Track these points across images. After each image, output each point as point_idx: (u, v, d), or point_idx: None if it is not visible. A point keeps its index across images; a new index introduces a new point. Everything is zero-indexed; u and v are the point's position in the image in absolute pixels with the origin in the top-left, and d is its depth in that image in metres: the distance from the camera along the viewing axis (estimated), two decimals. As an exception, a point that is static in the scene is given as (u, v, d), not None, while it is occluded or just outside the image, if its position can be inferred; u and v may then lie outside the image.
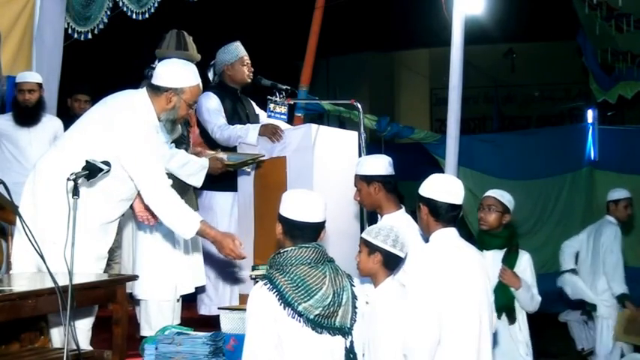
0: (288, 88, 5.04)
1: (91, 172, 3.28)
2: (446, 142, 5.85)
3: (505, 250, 4.28)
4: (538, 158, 8.58)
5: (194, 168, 4.25)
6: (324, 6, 7.09)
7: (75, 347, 2.94)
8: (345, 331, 2.82)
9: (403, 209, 3.85)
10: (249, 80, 5.12)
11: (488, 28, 8.69)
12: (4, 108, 5.97)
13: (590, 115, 8.78)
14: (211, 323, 4.41)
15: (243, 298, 4.36)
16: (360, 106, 4.93)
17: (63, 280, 2.85)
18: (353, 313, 2.87)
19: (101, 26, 6.10)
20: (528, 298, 4.19)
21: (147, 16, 5.79)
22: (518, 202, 8.53)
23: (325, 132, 4.63)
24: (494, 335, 3.41)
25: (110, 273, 5.09)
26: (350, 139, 4.77)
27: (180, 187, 4.31)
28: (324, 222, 2.93)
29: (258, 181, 4.69)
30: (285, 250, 2.86)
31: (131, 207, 3.96)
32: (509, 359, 4.14)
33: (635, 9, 7.78)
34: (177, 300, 4.46)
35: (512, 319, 4.20)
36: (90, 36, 6.16)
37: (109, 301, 3.56)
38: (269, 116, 4.96)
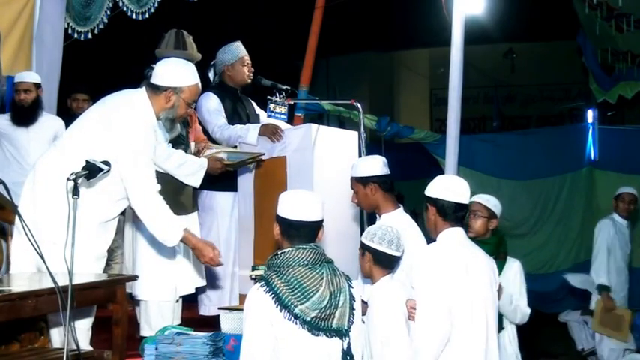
0: (288, 88, 5.04)
1: (91, 172, 3.28)
2: (446, 142, 5.85)
3: (493, 257, 4.06)
4: (538, 158, 8.58)
5: (192, 168, 4.24)
6: (324, 6, 7.09)
7: (75, 347, 2.94)
8: (342, 333, 2.81)
9: (401, 208, 3.85)
10: (250, 80, 5.12)
11: (488, 28, 8.69)
12: (4, 108, 5.97)
13: (590, 115, 8.79)
14: (211, 323, 4.41)
15: (243, 298, 4.33)
16: (360, 106, 4.93)
17: (63, 280, 2.85)
18: (350, 314, 2.85)
19: (101, 26, 6.09)
20: (510, 309, 4.01)
21: (147, 16, 5.78)
22: (519, 202, 8.64)
23: (325, 132, 4.63)
24: None
25: (110, 273, 5.10)
26: (350, 139, 4.77)
27: (180, 187, 4.32)
28: (321, 221, 2.92)
29: (258, 181, 4.69)
30: (283, 251, 2.86)
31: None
32: None
33: (635, 9, 7.78)
34: (177, 300, 4.45)
35: (499, 326, 4.11)
36: (90, 36, 6.16)
37: (109, 301, 3.56)
38: (269, 116, 4.96)
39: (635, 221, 6.53)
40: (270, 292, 2.76)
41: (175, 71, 3.78)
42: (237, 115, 5.08)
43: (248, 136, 4.73)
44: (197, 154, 4.50)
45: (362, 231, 4.59)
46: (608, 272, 6.16)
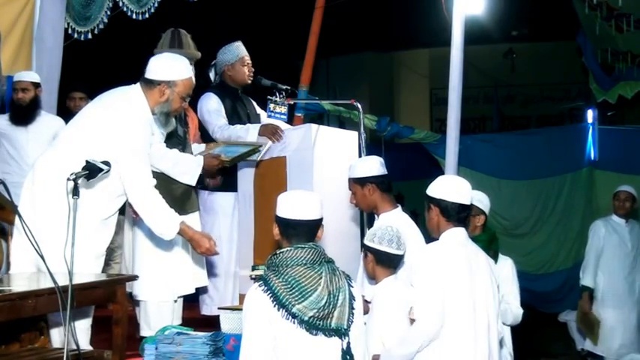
0: (288, 88, 5.04)
1: (91, 172, 3.29)
2: (446, 142, 5.84)
3: None
4: (538, 158, 8.59)
5: (187, 166, 4.22)
6: (324, 6, 7.09)
7: (75, 347, 2.94)
8: (341, 333, 2.80)
9: (399, 208, 3.86)
10: (250, 81, 5.12)
11: (488, 28, 8.69)
12: (4, 108, 5.97)
13: (590, 115, 8.78)
14: (213, 323, 4.40)
15: (243, 298, 4.34)
16: (360, 106, 4.94)
17: (63, 280, 2.85)
18: (350, 314, 2.84)
19: (101, 26, 6.09)
20: (501, 310, 3.66)
21: (147, 16, 5.78)
22: (518, 202, 8.64)
23: (325, 132, 4.63)
24: None
25: (110, 273, 5.10)
26: (350, 139, 4.77)
27: (181, 188, 4.31)
28: (319, 220, 2.91)
29: (258, 181, 4.69)
30: (281, 250, 2.86)
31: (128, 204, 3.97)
32: None
33: (635, 9, 7.77)
34: (175, 300, 4.44)
35: None
36: (90, 36, 6.16)
37: (109, 301, 3.56)
38: (269, 116, 4.96)
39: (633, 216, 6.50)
40: (268, 292, 2.76)
41: (168, 65, 3.82)
42: (237, 115, 5.08)
43: (248, 136, 4.74)
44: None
45: (362, 231, 4.61)
46: (596, 274, 6.18)
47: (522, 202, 8.59)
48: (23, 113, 5.58)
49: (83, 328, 3.75)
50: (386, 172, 3.85)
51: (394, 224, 3.54)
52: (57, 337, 3.63)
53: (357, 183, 3.83)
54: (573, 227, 8.34)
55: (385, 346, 3.29)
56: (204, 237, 3.82)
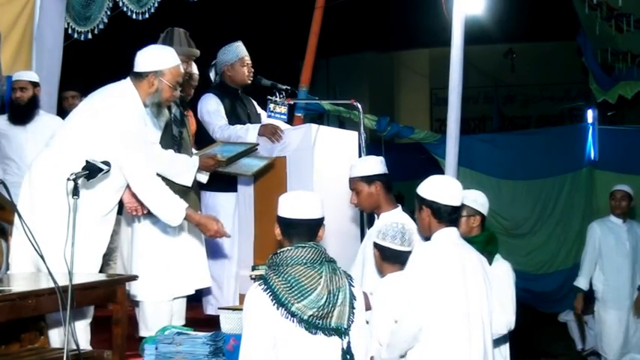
0: (288, 88, 5.04)
1: (91, 172, 3.29)
2: (446, 142, 5.85)
3: None
4: (538, 158, 8.58)
5: (183, 167, 4.20)
6: (324, 6, 7.09)
7: (75, 347, 2.94)
8: (341, 332, 2.80)
9: (400, 208, 3.87)
10: (250, 81, 5.12)
11: (488, 28, 8.69)
12: (4, 108, 5.97)
13: (590, 115, 8.77)
14: (215, 323, 4.41)
15: (243, 298, 4.35)
16: (360, 106, 4.94)
17: (63, 280, 2.85)
18: (350, 313, 2.84)
19: (101, 26, 6.09)
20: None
21: (147, 16, 5.79)
22: (519, 202, 8.63)
23: (325, 132, 4.63)
24: None
25: (109, 273, 5.09)
26: (350, 139, 4.77)
27: (183, 188, 4.30)
28: (320, 219, 2.91)
29: (258, 181, 4.68)
30: (282, 250, 2.86)
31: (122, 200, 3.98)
32: None
33: (635, 9, 7.78)
34: (172, 300, 4.42)
35: None
36: (90, 36, 6.16)
37: (109, 301, 3.56)
38: (269, 116, 4.96)
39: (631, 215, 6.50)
40: (268, 291, 2.76)
41: (154, 55, 3.87)
42: (237, 115, 5.08)
43: (248, 136, 4.74)
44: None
45: (362, 230, 4.61)
46: (592, 276, 6.22)
47: (522, 202, 8.58)
48: (22, 113, 5.57)
49: (82, 328, 3.75)
50: (387, 172, 3.87)
51: (401, 221, 3.56)
52: (56, 337, 3.63)
53: (364, 181, 3.82)
54: (573, 227, 8.33)
55: (381, 343, 3.30)
56: (211, 220, 3.91)
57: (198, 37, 4.85)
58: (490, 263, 3.70)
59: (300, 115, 7.13)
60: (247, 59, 5.11)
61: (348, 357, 2.81)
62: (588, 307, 6.47)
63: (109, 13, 6.03)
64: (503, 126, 14.92)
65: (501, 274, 3.72)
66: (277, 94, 4.97)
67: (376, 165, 3.86)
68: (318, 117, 9.26)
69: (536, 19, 12.79)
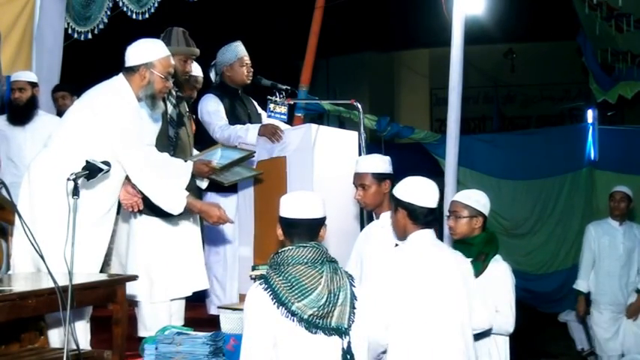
0: (288, 88, 5.04)
1: (91, 172, 3.30)
2: (446, 142, 5.85)
3: (471, 259, 3.54)
4: (538, 158, 8.59)
5: (176, 171, 4.05)
6: (324, 6, 7.09)
7: (75, 347, 2.94)
8: (341, 332, 2.80)
9: None
10: (249, 81, 5.12)
11: (488, 28, 8.69)
12: (4, 108, 5.97)
13: (590, 115, 8.78)
14: (216, 323, 4.40)
15: (243, 298, 4.34)
16: (360, 106, 4.94)
17: (63, 280, 2.85)
18: (351, 313, 2.84)
19: (101, 26, 6.10)
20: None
21: (147, 16, 5.80)
22: (519, 202, 8.62)
23: (325, 132, 4.63)
24: None
25: (109, 273, 5.09)
26: (350, 139, 4.77)
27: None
28: (321, 219, 2.92)
29: (258, 181, 4.68)
30: (283, 249, 2.86)
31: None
32: None
33: (635, 9, 7.78)
34: (171, 300, 4.41)
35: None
36: (90, 36, 6.17)
37: (109, 301, 3.56)
38: (269, 116, 4.96)
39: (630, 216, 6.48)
40: (268, 290, 2.77)
41: (143, 48, 3.89)
42: (237, 115, 5.07)
43: (248, 136, 4.74)
44: None
45: (362, 230, 4.60)
46: (588, 277, 6.20)
47: (522, 202, 8.59)
48: (20, 113, 5.57)
49: (81, 328, 3.74)
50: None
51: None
52: (56, 337, 3.63)
53: (376, 178, 3.83)
54: (573, 227, 8.34)
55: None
56: (213, 207, 3.94)
57: (198, 37, 4.85)
58: (486, 264, 3.69)
59: (300, 115, 7.13)
60: (246, 59, 5.11)
61: (349, 357, 2.81)
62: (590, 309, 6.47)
63: (108, 13, 6.04)
64: (503, 126, 14.91)
65: (499, 275, 3.68)
66: (277, 94, 4.96)
67: (387, 164, 3.91)
68: (318, 117, 9.25)
69: (536, 19, 12.79)
